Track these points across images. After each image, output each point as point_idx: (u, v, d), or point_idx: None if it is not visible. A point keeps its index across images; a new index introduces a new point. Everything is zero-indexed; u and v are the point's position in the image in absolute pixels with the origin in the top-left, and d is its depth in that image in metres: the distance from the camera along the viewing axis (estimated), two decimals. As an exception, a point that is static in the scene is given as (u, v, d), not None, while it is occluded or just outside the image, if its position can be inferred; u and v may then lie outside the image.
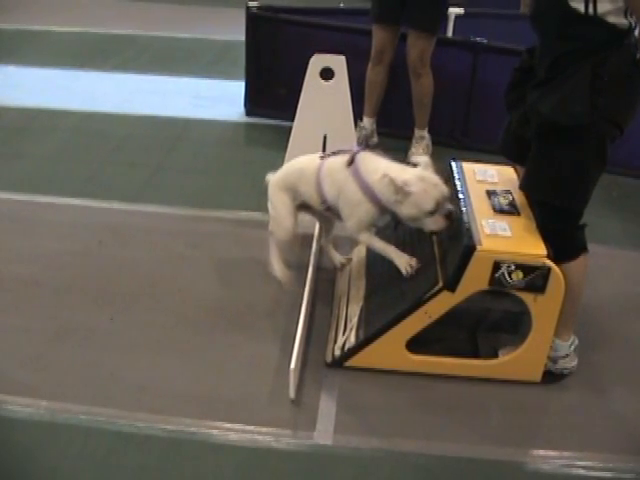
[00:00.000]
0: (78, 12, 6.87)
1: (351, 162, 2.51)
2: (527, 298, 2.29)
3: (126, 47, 5.95)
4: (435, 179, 2.40)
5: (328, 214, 2.72)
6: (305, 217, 2.84)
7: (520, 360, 2.42)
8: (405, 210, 2.39)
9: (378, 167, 2.46)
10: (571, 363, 2.49)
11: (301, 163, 2.74)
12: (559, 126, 2.15)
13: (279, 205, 2.72)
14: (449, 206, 2.40)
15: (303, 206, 2.74)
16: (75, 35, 6.22)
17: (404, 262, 2.44)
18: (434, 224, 2.40)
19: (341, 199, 2.54)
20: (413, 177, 2.38)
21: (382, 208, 2.47)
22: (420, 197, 2.35)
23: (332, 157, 2.61)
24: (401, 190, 2.35)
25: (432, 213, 2.37)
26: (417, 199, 2.35)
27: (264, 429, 2.22)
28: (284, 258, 2.76)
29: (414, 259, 2.43)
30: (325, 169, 2.59)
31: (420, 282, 2.39)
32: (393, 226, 2.65)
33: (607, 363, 2.61)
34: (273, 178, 2.77)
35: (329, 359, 2.48)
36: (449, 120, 4.28)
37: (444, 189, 2.39)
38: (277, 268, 2.74)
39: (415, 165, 2.48)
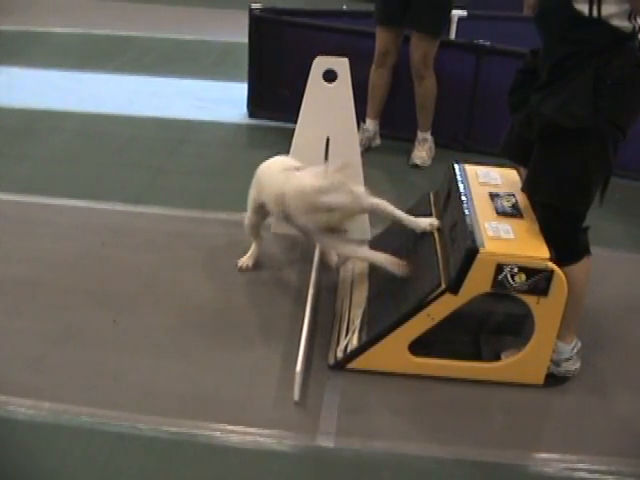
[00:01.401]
0: (80, 13, 6.87)
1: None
2: (530, 301, 2.28)
3: (128, 49, 5.96)
4: (319, 172, 2.46)
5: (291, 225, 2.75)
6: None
7: (523, 363, 2.41)
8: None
9: None
10: (574, 366, 2.49)
11: (277, 167, 2.80)
12: (561, 128, 2.15)
13: (249, 199, 2.89)
14: (340, 199, 2.43)
15: None
16: (77, 37, 6.23)
17: (393, 264, 2.46)
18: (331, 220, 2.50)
19: None
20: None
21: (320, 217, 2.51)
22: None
23: (300, 173, 2.62)
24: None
25: (323, 209, 2.44)
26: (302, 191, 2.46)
27: (266, 431, 2.22)
28: (256, 248, 2.98)
29: (401, 261, 2.46)
30: (291, 185, 2.60)
31: (423, 284, 2.38)
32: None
33: (610, 366, 2.60)
34: (260, 166, 2.90)
35: (331, 361, 2.48)
36: (452, 122, 4.28)
37: (329, 182, 2.42)
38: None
39: None
